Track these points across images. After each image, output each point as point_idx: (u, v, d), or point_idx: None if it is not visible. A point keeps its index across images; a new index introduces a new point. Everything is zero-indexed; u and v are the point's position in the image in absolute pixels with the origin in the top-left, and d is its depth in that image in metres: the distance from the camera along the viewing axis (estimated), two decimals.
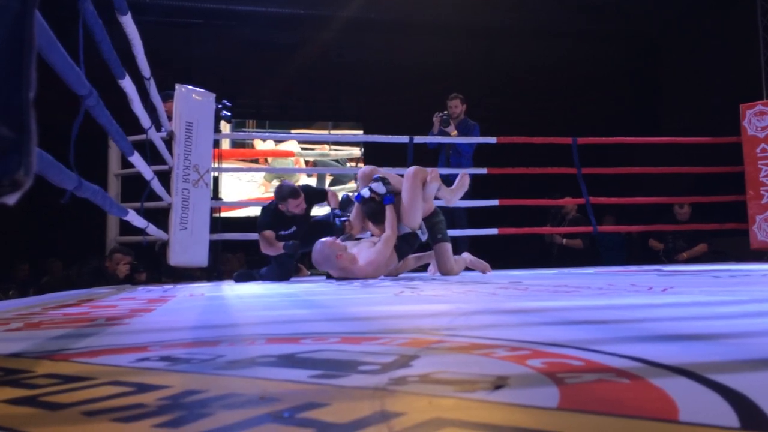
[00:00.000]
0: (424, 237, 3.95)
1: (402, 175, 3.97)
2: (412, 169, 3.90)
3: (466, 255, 4.28)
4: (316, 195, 4.58)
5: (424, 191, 3.87)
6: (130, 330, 1.34)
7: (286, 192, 4.23)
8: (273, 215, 4.30)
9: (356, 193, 4.02)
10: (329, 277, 4.29)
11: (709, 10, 8.13)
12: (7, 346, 1.07)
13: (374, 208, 3.83)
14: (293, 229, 4.25)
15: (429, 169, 3.96)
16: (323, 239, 3.73)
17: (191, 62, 8.04)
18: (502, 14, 8.36)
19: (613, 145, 5.99)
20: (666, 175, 6.27)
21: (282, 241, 4.20)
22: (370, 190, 3.83)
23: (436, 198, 4.13)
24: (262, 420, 0.53)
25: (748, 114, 5.60)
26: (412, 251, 4.03)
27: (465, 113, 5.59)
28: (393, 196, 3.81)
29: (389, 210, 3.79)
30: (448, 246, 3.99)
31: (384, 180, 3.84)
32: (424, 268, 4.39)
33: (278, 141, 9.56)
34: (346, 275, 3.72)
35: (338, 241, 3.73)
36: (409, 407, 0.56)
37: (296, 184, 4.59)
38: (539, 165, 5.68)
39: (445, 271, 3.96)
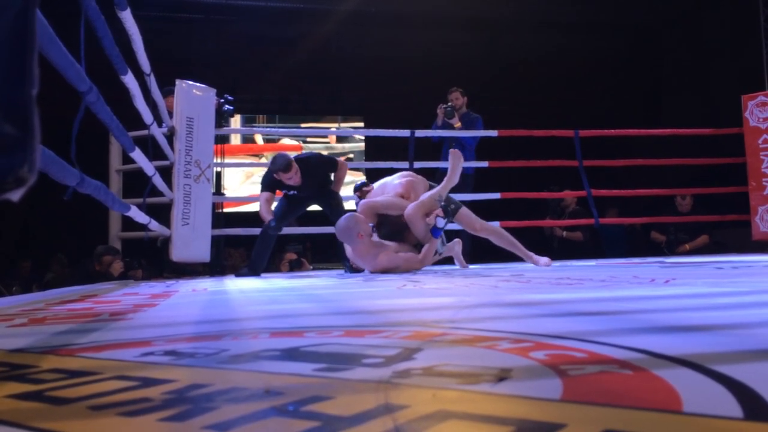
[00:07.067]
0: (442, 250, 3.95)
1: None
2: (412, 208, 3.70)
3: (457, 247, 4.23)
4: (327, 164, 4.40)
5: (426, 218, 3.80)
6: (134, 325, 1.34)
7: (278, 165, 4.14)
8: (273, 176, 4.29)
9: (435, 229, 3.76)
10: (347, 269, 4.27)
11: (711, 1, 8.09)
12: (11, 341, 1.08)
13: (392, 231, 3.77)
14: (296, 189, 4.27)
15: (425, 199, 3.77)
16: (355, 213, 3.68)
17: (191, 57, 8.02)
18: (503, 5, 8.33)
19: (614, 137, 5.98)
20: (668, 166, 6.25)
21: (290, 193, 4.30)
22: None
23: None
24: (267, 413, 0.54)
25: (749, 105, 5.58)
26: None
27: (467, 106, 5.57)
28: (441, 231, 3.73)
29: (431, 244, 3.70)
30: (466, 209, 3.92)
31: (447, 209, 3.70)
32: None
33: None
34: (356, 259, 3.71)
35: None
36: (413, 400, 0.56)
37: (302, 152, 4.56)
38: (541, 157, 5.67)
39: (475, 229, 3.87)
